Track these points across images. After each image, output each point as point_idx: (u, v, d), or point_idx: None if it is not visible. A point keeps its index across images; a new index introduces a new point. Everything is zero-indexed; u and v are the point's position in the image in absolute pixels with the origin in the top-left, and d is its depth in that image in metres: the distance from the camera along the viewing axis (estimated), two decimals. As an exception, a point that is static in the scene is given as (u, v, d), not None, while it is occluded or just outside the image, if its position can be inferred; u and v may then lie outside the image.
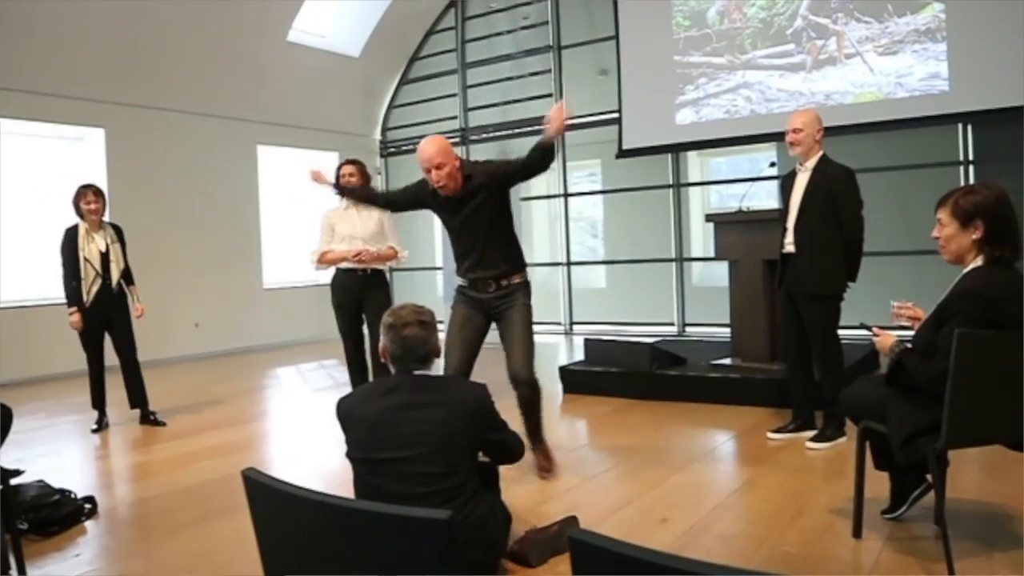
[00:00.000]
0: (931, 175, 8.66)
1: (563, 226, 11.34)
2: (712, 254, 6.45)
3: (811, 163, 4.63)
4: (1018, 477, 3.47)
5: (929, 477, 3.05)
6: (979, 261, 2.78)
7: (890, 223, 8.25)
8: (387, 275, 5.73)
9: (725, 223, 6.26)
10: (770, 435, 4.83)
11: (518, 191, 10.03)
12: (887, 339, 2.92)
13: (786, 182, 4.83)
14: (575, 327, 11.06)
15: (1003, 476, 3.68)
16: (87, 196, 5.79)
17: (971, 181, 8.45)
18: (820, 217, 4.53)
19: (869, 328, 3.04)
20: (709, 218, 6.52)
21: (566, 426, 5.63)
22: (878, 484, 3.28)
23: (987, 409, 2.74)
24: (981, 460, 3.84)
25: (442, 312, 4.20)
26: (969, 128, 8.51)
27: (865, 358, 6.48)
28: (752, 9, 9.25)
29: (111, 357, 5.96)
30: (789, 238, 4.66)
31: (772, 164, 7.39)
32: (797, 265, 4.59)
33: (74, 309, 5.71)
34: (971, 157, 8.51)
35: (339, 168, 5.62)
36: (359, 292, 5.48)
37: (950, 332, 2.62)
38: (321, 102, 11.65)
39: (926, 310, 2.96)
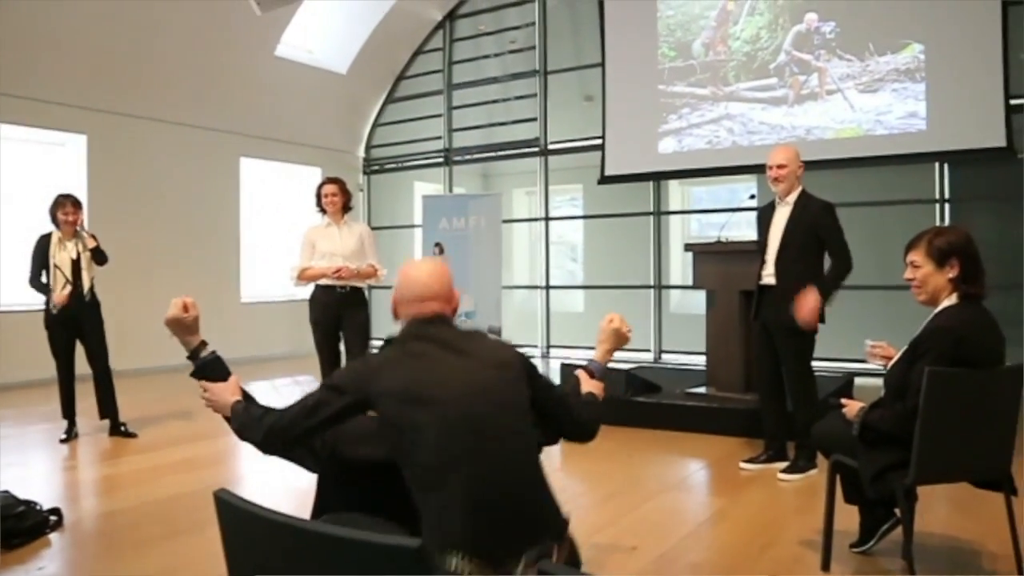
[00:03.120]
0: (907, 211, 8.80)
1: (543, 249, 11.37)
2: (690, 282, 6.50)
3: (791, 197, 4.69)
4: (985, 513, 3.50)
5: (898, 512, 3.07)
6: (953, 299, 2.83)
7: (866, 258, 8.28)
8: (366, 293, 5.72)
9: (704, 253, 6.32)
10: (743, 465, 4.86)
11: (499, 214, 10.10)
12: (853, 407, 2.97)
13: (764, 215, 4.88)
14: (552, 350, 11.07)
15: (971, 511, 3.72)
16: (65, 207, 5.76)
17: (947, 219, 8.58)
18: (800, 250, 4.59)
19: (838, 404, 3.07)
20: (688, 247, 6.57)
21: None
22: (848, 517, 3.31)
23: (956, 447, 2.78)
24: (950, 495, 3.87)
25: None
26: (946, 167, 8.65)
27: (838, 390, 6.54)
28: (736, 43, 9.38)
29: (82, 365, 5.90)
30: (768, 270, 4.70)
31: (752, 197, 7.47)
32: (775, 297, 4.62)
33: (48, 297, 5.68)
34: (947, 196, 8.64)
35: (320, 187, 5.63)
36: (337, 309, 5.47)
37: (921, 370, 2.67)
38: (306, 117, 11.65)
39: (899, 348, 3.01)
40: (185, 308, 2.26)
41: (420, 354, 2.03)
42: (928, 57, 8.28)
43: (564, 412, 2.29)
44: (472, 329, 2.19)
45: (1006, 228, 8.60)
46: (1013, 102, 7.91)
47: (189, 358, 2.28)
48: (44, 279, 5.75)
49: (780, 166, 4.69)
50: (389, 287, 6.59)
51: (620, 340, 2.65)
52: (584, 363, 2.65)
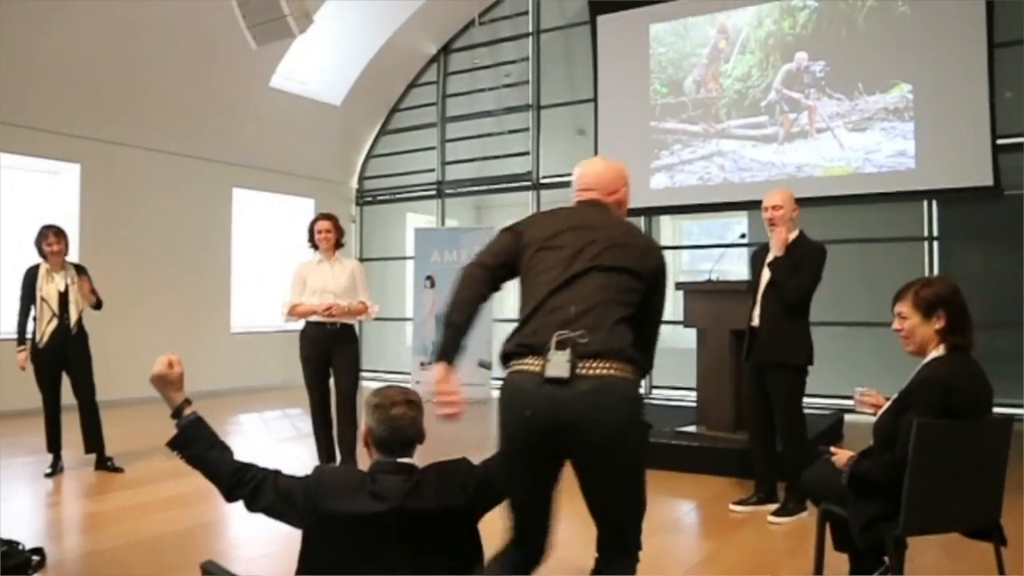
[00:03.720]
0: (897, 249, 8.86)
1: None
2: (681, 317, 6.51)
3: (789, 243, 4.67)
4: (974, 560, 3.49)
5: (887, 559, 3.07)
6: (940, 350, 2.85)
7: (856, 295, 8.40)
8: (357, 329, 5.71)
9: (694, 292, 6.34)
10: (732, 507, 4.84)
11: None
12: (843, 456, 2.96)
13: (758, 256, 4.91)
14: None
15: (961, 559, 3.71)
16: (48, 238, 5.76)
17: (936, 257, 8.64)
18: (778, 291, 4.61)
19: (828, 451, 3.08)
20: (679, 286, 6.59)
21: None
22: (838, 563, 3.29)
23: (945, 498, 2.79)
24: (939, 542, 3.85)
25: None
26: (934, 205, 8.72)
27: (828, 429, 6.56)
28: (728, 80, 9.48)
29: (68, 396, 5.86)
30: (757, 310, 4.72)
31: (743, 236, 7.52)
32: (763, 335, 4.64)
33: (22, 348, 5.66)
34: (935, 233, 8.71)
35: (313, 223, 5.63)
36: (328, 345, 5.46)
37: (909, 421, 2.68)
38: (300, 148, 11.70)
39: (888, 391, 3.02)
40: (170, 365, 2.25)
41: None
42: (916, 96, 8.38)
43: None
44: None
45: (994, 266, 8.67)
46: (1000, 141, 8.02)
47: (172, 416, 2.26)
48: (33, 312, 5.73)
49: (776, 207, 4.70)
50: (380, 319, 6.46)
51: None
52: None
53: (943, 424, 2.71)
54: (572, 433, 2.25)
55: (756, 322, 4.70)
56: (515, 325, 2.45)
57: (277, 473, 2.20)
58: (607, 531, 2.54)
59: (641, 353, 2.41)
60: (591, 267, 2.38)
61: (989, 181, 7.97)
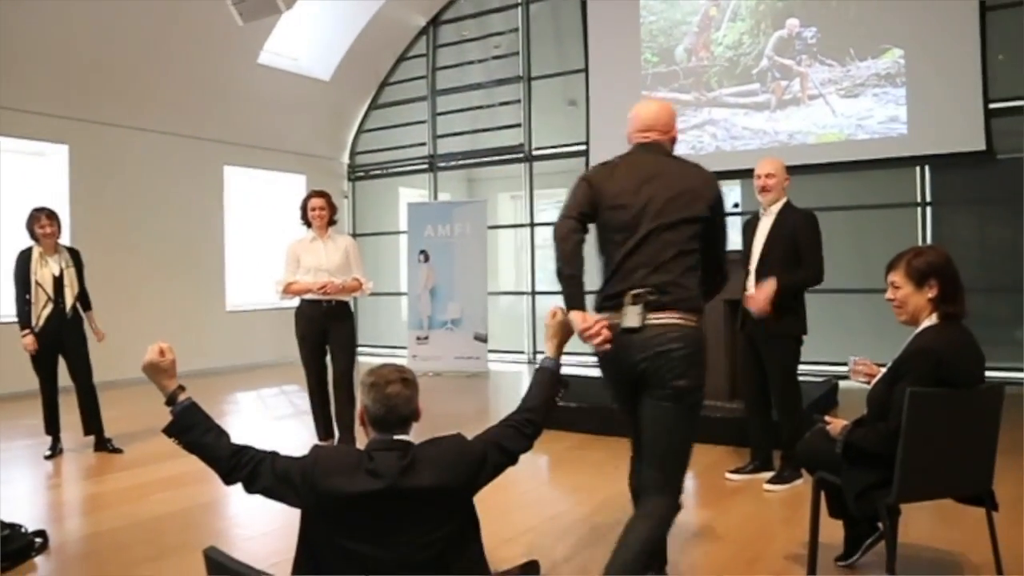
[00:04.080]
0: (889, 215, 8.87)
1: (529, 255, 11.38)
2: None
3: (775, 208, 4.72)
4: (967, 525, 3.54)
5: (881, 526, 3.10)
6: (933, 319, 2.86)
7: (849, 261, 8.41)
8: (352, 306, 5.72)
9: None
10: (728, 475, 4.88)
11: (484, 220, 10.11)
12: (837, 425, 3.00)
13: (749, 226, 4.91)
14: (539, 356, 11.07)
15: (954, 524, 3.75)
16: (40, 220, 5.71)
17: (928, 222, 8.65)
18: (782, 261, 4.60)
19: (823, 420, 3.12)
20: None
21: (527, 462, 5.61)
22: (833, 531, 3.33)
23: (938, 465, 2.82)
24: (933, 508, 3.89)
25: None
26: (927, 170, 8.71)
27: (823, 396, 6.60)
28: (719, 48, 9.43)
29: (66, 378, 5.87)
30: (750, 280, 4.73)
31: (736, 205, 7.51)
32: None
33: (27, 331, 5.63)
34: (928, 199, 8.71)
35: (306, 200, 5.62)
36: (323, 323, 5.47)
37: (902, 390, 2.70)
38: (290, 124, 11.63)
39: (882, 359, 3.04)
40: (161, 352, 2.26)
41: None
42: (908, 62, 8.35)
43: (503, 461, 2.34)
44: None
45: (987, 231, 8.69)
46: (992, 105, 8.00)
47: (167, 403, 2.27)
48: (28, 296, 5.70)
49: (768, 175, 4.71)
50: (374, 294, 6.43)
51: (567, 332, 2.74)
52: (546, 364, 2.66)
53: (936, 393, 2.73)
54: (640, 369, 2.74)
55: (751, 292, 4.71)
56: (602, 279, 2.96)
57: (274, 454, 2.22)
58: (654, 466, 2.86)
59: (714, 275, 3.03)
60: (655, 227, 2.80)
61: (982, 146, 7.96)
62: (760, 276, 4.65)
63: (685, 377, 2.74)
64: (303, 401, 6.30)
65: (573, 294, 2.79)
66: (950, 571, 3.37)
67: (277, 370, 10.22)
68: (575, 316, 2.75)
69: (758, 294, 4.49)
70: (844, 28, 8.68)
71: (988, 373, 2.91)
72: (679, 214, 2.81)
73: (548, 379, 2.62)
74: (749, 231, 4.86)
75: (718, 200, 2.94)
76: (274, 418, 7.56)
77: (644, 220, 2.81)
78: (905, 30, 8.37)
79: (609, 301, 2.84)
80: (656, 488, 2.84)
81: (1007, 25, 8.12)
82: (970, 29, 8.03)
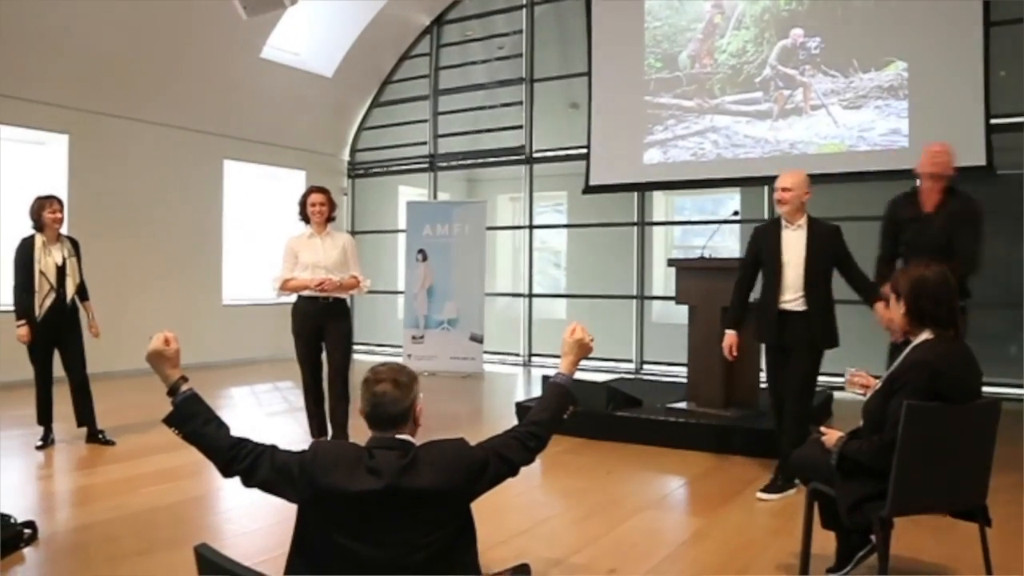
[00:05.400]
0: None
1: (527, 257, 11.37)
2: (673, 291, 6.51)
3: (802, 222, 4.68)
4: (959, 540, 3.53)
5: (874, 538, 3.10)
6: (928, 334, 2.87)
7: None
8: (349, 304, 5.70)
9: (686, 269, 6.34)
10: (760, 495, 4.65)
11: (483, 221, 10.11)
12: (832, 436, 3.01)
13: (766, 235, 4.81)
14: (534, 359, 11.08)
15: (946, 538, 3.75)
16: (53, 206, 5.69)
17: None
18: (824, 275, 4.62)
19: (818, 431, 3.13)
20: (671, 263, 6.59)
21: (520, 464, 5.62)
22: (825, 542, 3.33)
23: (932, 479, 2.81)
24: (925, 522, 3.90)
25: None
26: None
27: (818, 407, 6.59)
28: (723, 56, 9.43)
29: (58, 368, 5.84)
30: (792, 295, 4.63)
31: (735, 213, 7.52)
32: (811, 321, 4.58)
33: (23, 322, 5.59)
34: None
35: (306, 196, 5.60)
36: (320, 320, 5.46)
37: (898, 404, 2.70)
38: (291, 120, 11.61)
39: (878, 372, 3.04)
40: (166, 342, 2.26)
41: None
42: (911, 75, 8.35)
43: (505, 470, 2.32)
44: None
45: (987, 246, 8.68)
46: (993, 121, 8.00)
47: (168, 393, 2.26)
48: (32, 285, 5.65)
49: (785, 189, 4.66)
50: (371, 292, 6.40)
51: (583, 350, 2.66)
52: (552, 375, 2.65)
53: (931, 407, 2.73)
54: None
55: (794, 307, 4.62)
56: None
57: (274, 448, 2.21)
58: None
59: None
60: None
61: (982, 161, 7.96)
62: (809, 292, 4.59)
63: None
64: (297, 398, 6.30)
65: None
66: (941, 585, 3.37)
67: (272, 366, 10.20)
68: None
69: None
70: (848, 39, 8.68)
71: (986, 389, 2.91)
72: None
73: (559, 394, 2.58)
74: (769, 241, 4.76)
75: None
76: (267, 414, 7.55)
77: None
78: (908, 43, 8.37)
79: None
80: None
81: (1010, 41, 8.12)
82: (973, 44, 8.02)
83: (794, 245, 4.68)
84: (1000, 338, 8.09)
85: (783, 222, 4.76)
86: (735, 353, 4.86)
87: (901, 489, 2.72)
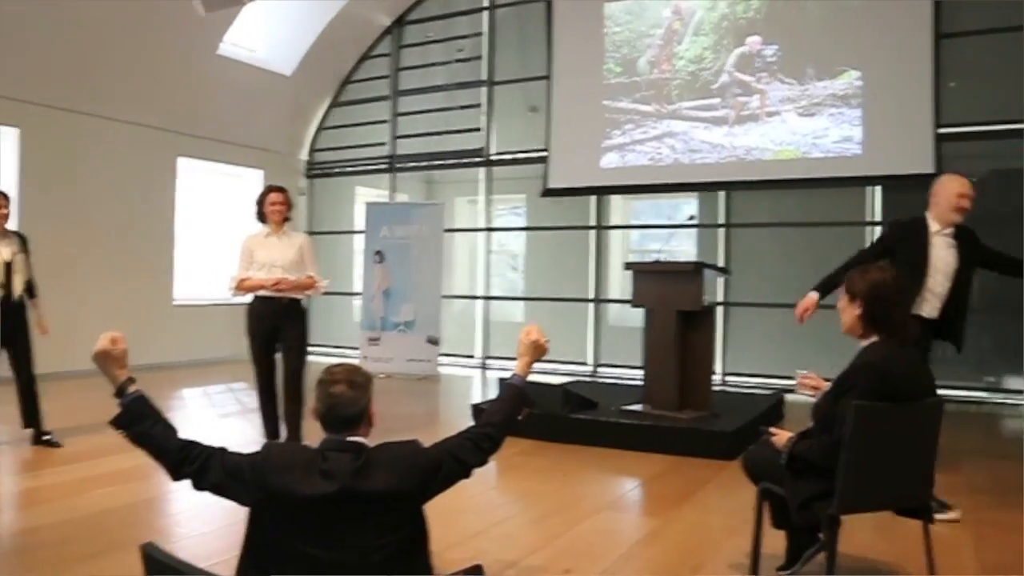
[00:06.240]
0: (842, 233, 9.03)
1: (484, 259, 11.37)
2: (630, 294, 6.57)
3: (950, 229, 4.50)
4: (904, 537, 3.61)
5: (823, 536, 3.15)
6: (876, 337, 2.94)
7: (802, 276, 8.51)
8: (304, 304, 5.64)
9: (642, 272, 6.39)
10: None
11: (441, 223, 10.09)
12: (782, 437, 3.06)
13: (914, 233, 4.55)
14: (490, 361, 11.07)
15: (893, 535, 3.83)
16: None
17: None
18: (969, 284, 4.54)
19: (767, 431, 3.18)
20: (628, 266, 6.64)
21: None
22: (776, 541, 3.37)
23: (879, 478, 2.87)
24: (873, 520, 3.98)
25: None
26: (878, 190, 8.91)
27: (769, 409, 6.72)
28: (681, 62, 9.53)
29: (4, 368, 5.71)
30: (937, 303, 4.50)
31: (692, 217, 7.60)
32: (956, 330, 4.56)
33: None
34: (879, 218, 8.91)
35: (264, 194, 5.54)
36: (275, 321, 5.40)
37: (847, 404, 2.75)
38: (248, 118, 11.47)
39: (828, 375, 3.10)
40: (113, 341, 2.22)
41: None
42: (864, 84, 8.53)
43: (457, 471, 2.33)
44: None
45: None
46: (942, 130, 8.21)
47: (116, 395, 2.22)
48: None
49: (973, 198, 4.46)
50: (326, 294, 6.33)
51: (539, 352, 2.68)
52: (508, 377, 2.67)
53: (878, 407, 2.79)
54: None
55: (934, 316, 4.49)
56: None
57: (223, 450, 2.19)
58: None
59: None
60: None
61: (931, 168, 8.15)
62: (960, 299, 4.51)
63: None
64: (251, 399, 6.22)
65: None
66: (887, 583, 3.44)
67: (226, 367, 10.06)
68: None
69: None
70: (804, 48, 8.83)
71: (942, 391, 2.99)
72: None
73: (513, 396, 2.59)
74: (919, 240, 4.50)
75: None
76: (220, 416, 7.45)
77: None
78: (863, 53, 8.55)
79: None
80: None
81: (959, 53, 8.34)
82: (924, 55, 8.24)
83: (947, 255, 4.48)
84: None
85: (931, 225, 4.51)
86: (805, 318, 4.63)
87: (848, 488, 2.78)
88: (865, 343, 2.96)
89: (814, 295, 4.63)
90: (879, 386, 2.80)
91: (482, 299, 11.32)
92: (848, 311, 2.99)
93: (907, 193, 8.80)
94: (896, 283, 2.98)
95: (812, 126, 8.79)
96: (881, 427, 2.82)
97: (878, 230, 8.88)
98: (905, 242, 4.56)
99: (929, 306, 4.48)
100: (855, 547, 3.68)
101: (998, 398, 8.31)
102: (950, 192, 4.45)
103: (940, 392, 3.03)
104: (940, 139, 8.20)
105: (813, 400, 3.16)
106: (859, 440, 2.75)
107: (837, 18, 8.71)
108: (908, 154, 8.31)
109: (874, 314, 2.92)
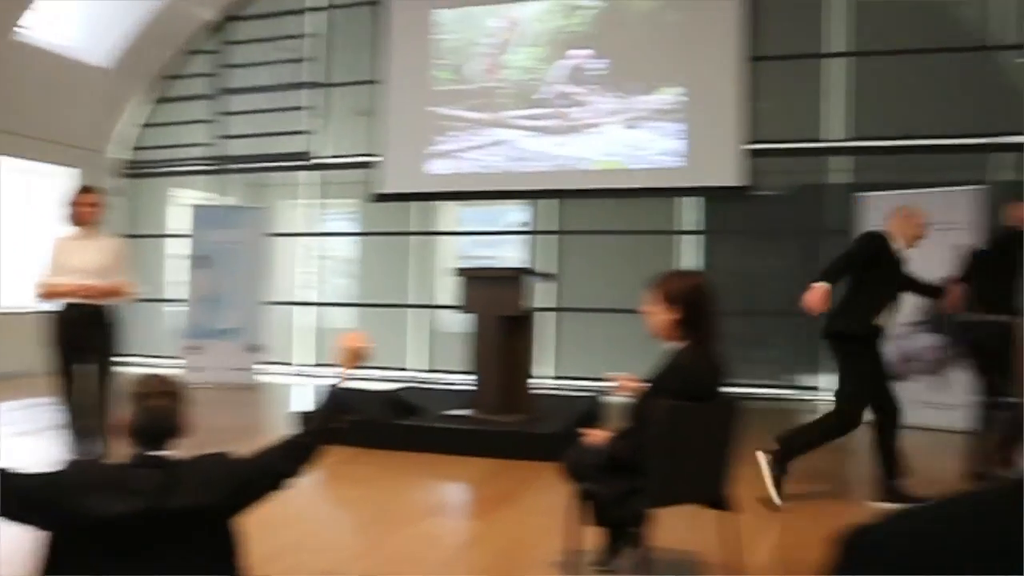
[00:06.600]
0: (663, 241, 9.47)
1: (312, 265, 11.13)
2: (459, 300, 6.60)
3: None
4: (714, 528, 3.79)
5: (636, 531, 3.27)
6: (684, 340, 3.07)
7: (624, 283, 8.87)
8: (114, 311, 5.29)
9: (471, 278, 6.42)
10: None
11: (266, 228, 9.80)
12: (597, 436, 3.18)
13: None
14: (318, 368, 10.80)
15: (701, 528, 4.00)
16: None
17: (701, 249, 9.36)
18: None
19: (582, 432, 3.30)
20: (458, 272, 6.67)
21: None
22: (595, 538, 3.46)
23: (686, 473, 3.02)
24: (684, 514, 4.16)
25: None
26: (697, 201, 9.43)
27: (588, 411, 6.94)
28: (510, 71, 9.69)
29: None
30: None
31: (524, 224, 7.73)
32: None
33: None
34: (702, 227, 9.43)
35: (76, 195, 5.18)
36: (83, 328, 5.03)
37: (656, 404, 2.87)
38: (56, 112, 10.64)
39: (641, 375, 3.23)
40: None
41: None
42: (687, 100, 8.99)
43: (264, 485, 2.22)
44: None
45: (746, 259, 9.48)
46: (755, 146, 8.81)
47: None
48: None
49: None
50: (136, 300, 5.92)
51: (358, 358, 2.61)
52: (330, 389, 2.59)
53: (686, 406, 2.93)
54: None
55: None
56: None
57: (4, 472, 1.99)
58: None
59: None
60: None
61: (745, 182, 8.74)
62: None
63: None
64: (52, 414, 5.77)
65: None
66: (699, 569, 3.60)
67: (22, 382, 9.27)
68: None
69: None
70: (630, 63, 9.18)
71: (747, 390, 3.17)
72: None
73: (330, 404, 2.50)
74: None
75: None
76: (15, 434, 6.88)
77: None
78: (686, 70, 9.00)
79: None
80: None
81: (770, 75, 8.95)
82: (740, 76, 8.79)
83: None
84: (751, 343, 8.80)
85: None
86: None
87: (658, 483, 2.90)
88: (675, 345, 3.09)
89: (826, 284, 4.48)
90: (691, 387, 2.95)
91: (310, 305, 11.06)
92: (661, 315, 3.08)
93: (726, 203, 9.38)
94: (710, 291, 3.13)
95: (636, 138, 9.15)
96: (686, 425, 2.97)
97: (704, 239, 9.39)
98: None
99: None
100: (667, 540, 3.83)
101: (796, 395, 8.86)
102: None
103: (745, 391, 3.23)
104: (754, 154, 8.78)
105: (631, 401, 3.27)
106: (665, 438, 2.87)
107: (661, 36, 9.12)
108: (722, 167, 8.83)
109: (691, 319, 3.05)
